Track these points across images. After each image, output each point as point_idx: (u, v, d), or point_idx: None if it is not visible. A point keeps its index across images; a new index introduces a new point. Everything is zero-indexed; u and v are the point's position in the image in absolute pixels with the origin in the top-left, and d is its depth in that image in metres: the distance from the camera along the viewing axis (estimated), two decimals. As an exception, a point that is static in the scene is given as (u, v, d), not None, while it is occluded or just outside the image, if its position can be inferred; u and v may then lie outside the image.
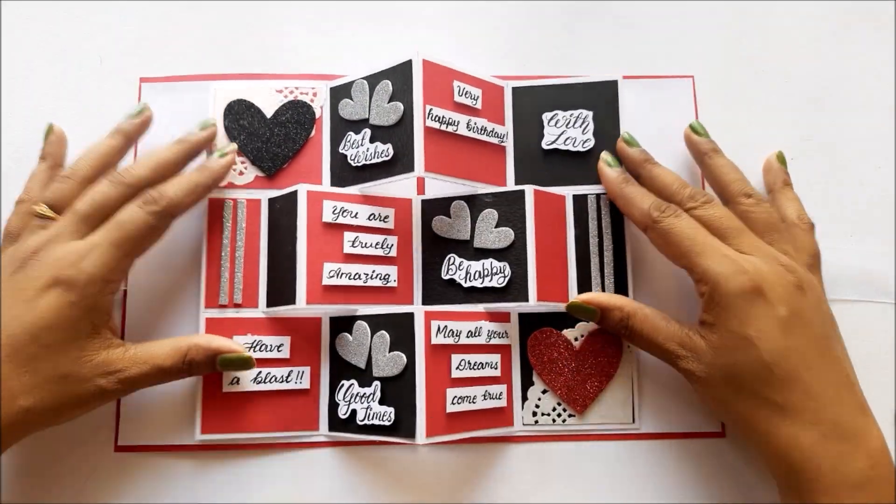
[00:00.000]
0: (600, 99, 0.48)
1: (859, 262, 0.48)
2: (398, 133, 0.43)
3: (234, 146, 0.46)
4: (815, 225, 0.45)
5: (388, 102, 0.44)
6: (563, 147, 0.47)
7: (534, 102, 0.48)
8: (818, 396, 0.37)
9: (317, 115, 0.48)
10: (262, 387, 0.44)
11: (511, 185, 0.47)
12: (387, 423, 0.41)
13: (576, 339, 0.46)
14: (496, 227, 0.44)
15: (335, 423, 0.44)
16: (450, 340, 0.42)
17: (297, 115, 0.48)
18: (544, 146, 0.48)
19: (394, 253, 0.45)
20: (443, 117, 0.43)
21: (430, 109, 0.43)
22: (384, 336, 0.42)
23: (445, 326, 0.42)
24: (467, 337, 0.43)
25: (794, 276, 0.39)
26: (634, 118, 0.48)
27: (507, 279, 0.43)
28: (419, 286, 0.46)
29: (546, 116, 0.48)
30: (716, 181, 0.45)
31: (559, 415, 0.45)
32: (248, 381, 0.44)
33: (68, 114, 0.48)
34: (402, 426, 0.41)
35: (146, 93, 0.48)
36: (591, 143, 0.47)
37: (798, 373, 0.37)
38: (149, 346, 0.40)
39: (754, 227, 0.42)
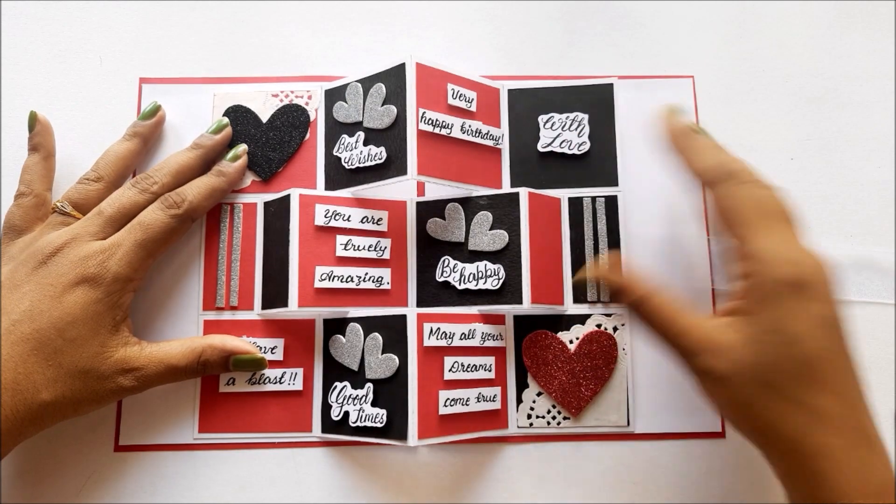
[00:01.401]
0: (596, 102, 0.48)
1: (859, 262, 0.48)
2: (391, 136, 0.43)
3: (245, 147, 0.46)
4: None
5: (382, 105, 0.44)
6: (558, 150, 0.47)
7: (530, 104, 0.48)
8: (847, 401, 0.35)
9: (311, 118, 0.48)
10: (256, 388, 0.44)
11: (506, 188, 0.47)
12: (379, 425, 0.41)
13: (571, 342, 0.46)
14: (490, 229, 0.44)
15: (328, 425, 0.44)
16: (443, 342, 0.42)
17: (292, 119, 0.48)
18: (540, 149, 0.47)
19: (387, 255, 0.45)
20: (436, 120, 0.43)
21: (424, 113, 0.43)
22: (377, 338, 0.42)
23: (438, 328, 0.42)
24: (461, 339, 0.43)
25: (832, 275, 0.37)
26: (635, 118, 0.48)
27: (501, 281, 0.43)
28: (413, 288, 0.46)
29: (542, 119, 0.48)
30: None
31: (554, 417, 0.45)
32: (242, 381, 0.44)
33: (68, 114, 0.48)
34: (395, 428, 0.41)
35: (146, 93, 0.49)
36: (586, 147, 0.47)
37: (834, 375, 0.35)
38: (164, 345, 0.41)
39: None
